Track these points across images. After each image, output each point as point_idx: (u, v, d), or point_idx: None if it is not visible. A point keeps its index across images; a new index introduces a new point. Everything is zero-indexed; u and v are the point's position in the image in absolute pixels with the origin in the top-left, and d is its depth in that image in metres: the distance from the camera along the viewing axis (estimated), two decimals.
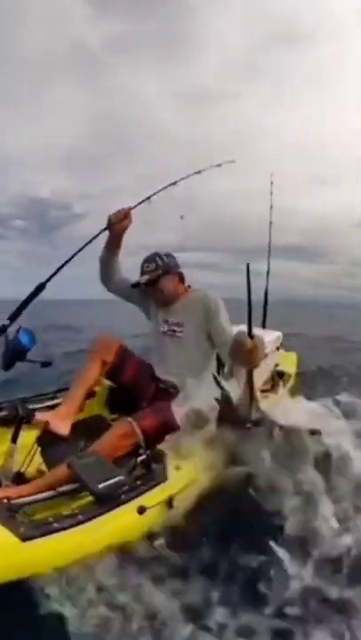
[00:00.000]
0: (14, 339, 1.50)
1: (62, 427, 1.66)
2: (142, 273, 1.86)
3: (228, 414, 1.59)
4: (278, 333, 2.96)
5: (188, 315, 1.85)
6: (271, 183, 3.34)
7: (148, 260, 1.86)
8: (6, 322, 1.59)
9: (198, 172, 2.06)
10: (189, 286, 1.98)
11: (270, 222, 3.38)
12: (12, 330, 1.57)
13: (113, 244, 1.90)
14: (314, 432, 1.73)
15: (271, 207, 3.35)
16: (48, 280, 1.76)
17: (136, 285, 1.87)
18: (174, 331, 1.88)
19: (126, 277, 2.01)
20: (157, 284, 1.85)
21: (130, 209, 1.84)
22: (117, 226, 1.82)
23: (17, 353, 1.48)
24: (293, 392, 2.93)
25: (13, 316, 1.62)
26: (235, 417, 1.57)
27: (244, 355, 1.47)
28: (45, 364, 1.61)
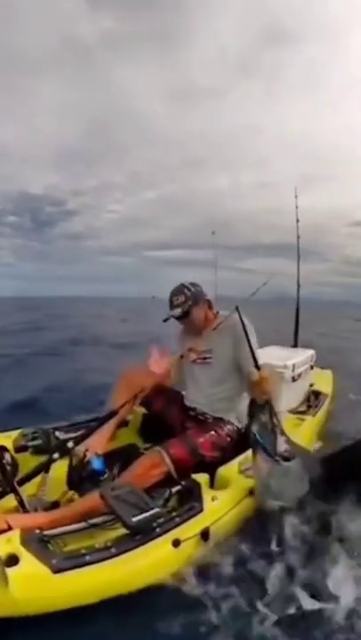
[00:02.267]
0: (87, 465, 1.52)
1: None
2: (173, 306, 1.81)
3: None
4: (311, 352, 2.87)
5: (219, 341, 1.81)
6: (296, 197, 3.32)
7: (176, 293, 1.82)
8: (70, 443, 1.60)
9: (265, 284, 2.07)
10: (218, 312, 1.94)
11: (298, 241, 3.33)
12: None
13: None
14: None
15: (298, 221, 3.31)
16: (120, 407, 1.79)
17: (167, 319, 1.83)
18: (205, 358, 1.85)
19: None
20: (190, 316, 1.81)
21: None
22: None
23: (90, 477, 1.52)
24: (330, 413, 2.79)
25: (81, 438, 1.64)
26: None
27: (254, 387, 1.51)
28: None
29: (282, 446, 1.46)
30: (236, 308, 1.66)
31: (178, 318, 1.82)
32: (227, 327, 1.79)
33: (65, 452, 1.57)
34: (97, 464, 1.51)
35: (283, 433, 1.51)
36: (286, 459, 1.44)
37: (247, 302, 1.71)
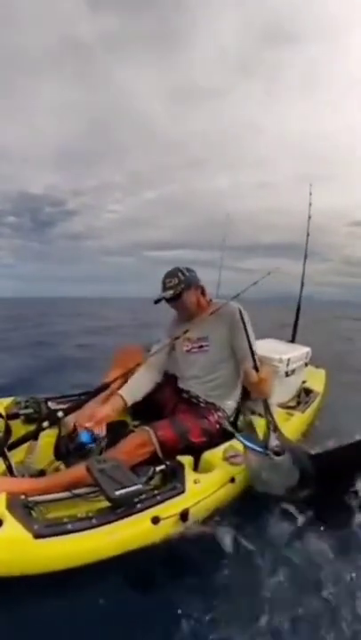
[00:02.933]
0: (75, 438, 1.56)
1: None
2: (165, 288, 1.81)
3: None
4: (307, 349, 2.87)
5: (214, 328, 1.81)
6: (310, 194, 3.28)
7: (169, 275, 1.82)
8: (60, 413, 1.61)
9: (269, 274, 1.99)
10: (211, 300, 1.94)
11: (306, 249, 3.29)
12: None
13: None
14: None
15: (310, 217, 3.27)
16: (112, 382, 1.79)
17: (158, 301, 1.83)
18: (201, 346, 1.85)
19: (154, 367, 1.93)
20: (181, 298, 1.81)
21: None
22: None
23: (77, 450, 1.55)
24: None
25: (71, 409, 1.65)
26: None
27: (252, 387, 1.57)
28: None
29: (273, 442, 1.52)
30: (233, 298, 1.71)
31: (168, 300, 1.82)
32: (223, 314, 1.80)
33: (55, 421, 1.60)
34: (85, 437, 1.55)
35: (276, 429, 1.56)
36: (277, 453, 1.50)
37: (248, 293, 1.72)
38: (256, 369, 1.56)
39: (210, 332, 1.83)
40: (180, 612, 1.14)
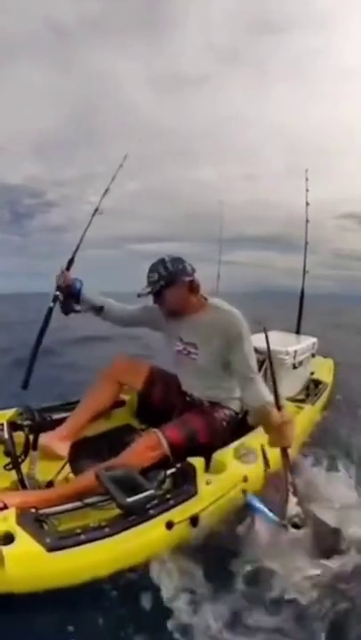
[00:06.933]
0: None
1: (61, 448, 1.70)
2: (147, 284, 1.63)
3: None
4: (313, 339, 2.83)
5: (205, 337, 1.64)
6: (307, 179, 3.22)
7: (151, 270, 1.62)
8: None
9: None
10: (206, 298, 1.71)
11: (306, 242, 3.23)
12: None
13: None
14: None
15: (307, 204, 3.22)
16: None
17: (140, 296, 1.66)
18: (189, 352, 1.71)
19: (125, 309, 1.90)
20: (160, 296, 1.63)
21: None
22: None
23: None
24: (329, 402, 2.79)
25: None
26: None
27: (273, 432, 1.41)
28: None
29: (293, 509, 1.22)
30: (264, 330, 1.63)
31: (150, 295, 1.65)
32: (219, 324, 1.61)
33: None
34: (78, 284, 1.78)
35: (296, 492, 1.27)
36: (296, 525, 1.20)
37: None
38: (278, 406, 1.35)
39: (200, 340, 1.67)
40: None
